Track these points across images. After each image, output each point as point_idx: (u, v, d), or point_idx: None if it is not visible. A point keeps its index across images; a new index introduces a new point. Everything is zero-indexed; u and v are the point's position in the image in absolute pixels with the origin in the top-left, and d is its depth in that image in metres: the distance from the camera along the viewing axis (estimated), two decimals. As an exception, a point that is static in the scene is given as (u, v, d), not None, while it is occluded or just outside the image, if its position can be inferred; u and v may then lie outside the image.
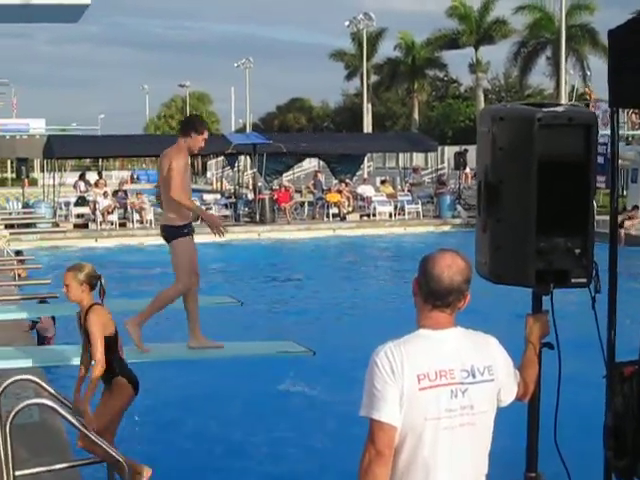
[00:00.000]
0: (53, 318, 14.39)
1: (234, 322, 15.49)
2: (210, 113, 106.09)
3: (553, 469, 4.91)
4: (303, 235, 34.33)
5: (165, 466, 9.75)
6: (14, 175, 58.31)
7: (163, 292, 9.19)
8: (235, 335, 12.56)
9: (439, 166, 50.60)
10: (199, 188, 59.77)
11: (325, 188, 39.79)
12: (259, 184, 37.59)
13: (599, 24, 56.85)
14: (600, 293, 4.82)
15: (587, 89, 51.58)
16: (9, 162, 70.32)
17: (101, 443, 6.40)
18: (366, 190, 39.96)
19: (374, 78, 75.68)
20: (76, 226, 35.02)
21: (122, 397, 6.98)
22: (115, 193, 36.89)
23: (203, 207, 36.28)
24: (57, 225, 34.25)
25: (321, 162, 45.85)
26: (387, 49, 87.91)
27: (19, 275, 18.33)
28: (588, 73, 60.32)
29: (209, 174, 70.20)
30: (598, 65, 57.46)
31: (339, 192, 38.05)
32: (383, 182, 43.27)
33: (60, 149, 36.13)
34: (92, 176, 44.76)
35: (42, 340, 14.27)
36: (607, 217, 5.66)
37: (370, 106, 69.74)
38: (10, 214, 36.41)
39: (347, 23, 64.63)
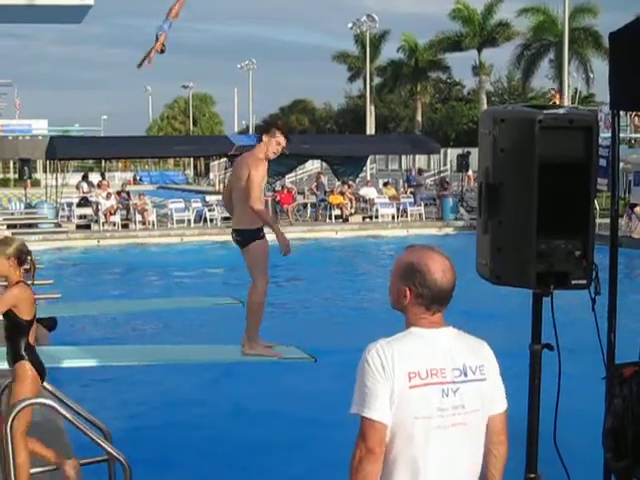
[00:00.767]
0: (54, 321, 14.29)
1: (235, 323, 15.52)
2: (213, 114, 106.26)
3: (553, 470, 4.93)
4: (306, 236, 34.36)
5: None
6: (17, 176, 58.28)
7: (249, 303, 9.19)
8: (237, 338, 12.57)
9: (442, 168, 50.62)
10: (202, 189, 59.87)
11: (328, 190, 39.79)
12: (262, 185, 37.54)
13: (602, 27, 56.93)
14: (600, 295, 4.83)
15: (553, 91, 51.35)
16: (12, 163, 70.44)
17: (103, 444, 6.39)
18: (369, 192, 39.95)
19: (377, 80, 75.74)
20: (78, 227, 35.07)
21: (25, 381, 6.74)
22: (118, 194, 36.92)
23: (205, 209, 36.56)
24: (59, 226, 34.31)
25: (324, 164, 45.85)
26: (390, 51, 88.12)
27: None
28: (591, 76, 60.44)
29: (212, 175, 70.26)
30: (601, 68, 57.55)
31: (342, 194, 38.08)
32: (386, 184, 43.27)
33: (63, 150, 36.17)
34: (95, 177, 44.82)
35: None
36: (608, 220, 5.67)
37: (373, 108, 69.80)
38: (12, 214, 36.52)
39: (350, 25, 64.70)
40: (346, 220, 37.27)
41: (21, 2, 11.60)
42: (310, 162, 52.62)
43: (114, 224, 34.84)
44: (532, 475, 4.85)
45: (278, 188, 39.87)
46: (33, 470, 6.86)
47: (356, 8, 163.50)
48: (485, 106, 61.49)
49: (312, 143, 41.07)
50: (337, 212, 37.41)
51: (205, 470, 9.96)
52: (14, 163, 65.94)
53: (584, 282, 4.71)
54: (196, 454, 10.32)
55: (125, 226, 35.17)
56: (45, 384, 7.10)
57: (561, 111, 4.75)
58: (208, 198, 40.27)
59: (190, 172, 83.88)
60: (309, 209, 39.01)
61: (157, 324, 17.37)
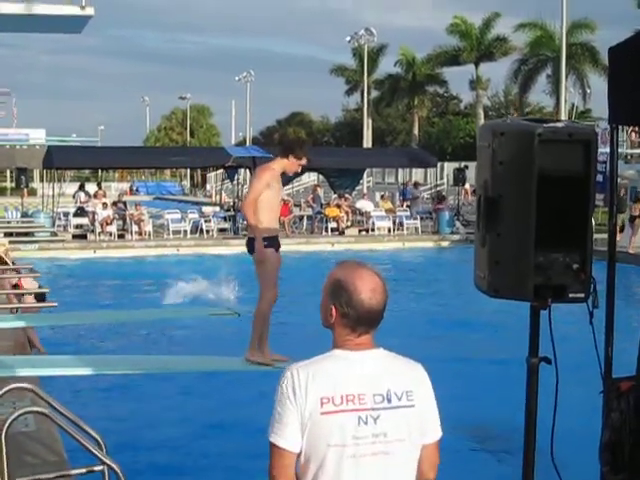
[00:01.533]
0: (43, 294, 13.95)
1: (231, 334, 15.50)
2: (210, 126, 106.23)
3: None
4: (302, 249, 34.31)
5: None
6: (13, 185, 58.32)
7: (256, 311, 9.25)
8: (234, 348, 12.53)
9: (438, 182, 50.67)
10: (198, 200, 59.91)
11: (324, 202, 39.81)
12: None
13: (600, 42, 57.07)
14: (598, 308, 4.84)
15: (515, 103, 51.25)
16: (9, 172, 70.36)
17: (97, 453, 6.38)
18: (365, 205, 39.98)
19: (375, 93, 75.84)
20: (75, 236, 35.05)
21: None
22: (114, 204, 36.92)
23: (202, 220, 36.56)
24: (56, 235, 34.30)
25: (320, 176, 45.91)
26: (388, 65, 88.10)
27: (17, 284, 18.30)
28: (588, 91, 60.54)
29: (208, 187, 70.30)
30: (598, 83, 57.72)
31: (338, 206, 38.10)
32: (382, 197, 43.31)
33: (60, 159, 36.21)
34: (91, 187, 44.84)
35: None
36: (605, 235, 5.69)
37: (370, 121, 69.85)
38: (9, 223, 36.48)
39: (348, 38, 64.74)
40: (342, 233, 37.27)
41: (22, 12, 11.61)
42: (306, 174, 52.71)
43: (110, 234, 34.82)
44: (528, 488, 4.84)
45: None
46: (29, 479, 6.84)
47: (355, 21, 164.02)
48: (482, 120, 61.56)
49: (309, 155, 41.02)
50: (333, 225, 37.42)
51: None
52: (11, 172, 65.86)
53: (582, 295, 4.71)
54: (192, 463, 10.32)
55: (121, 236, 35.16)
56: (40, 392, 7.08)
57: (560, 125, 4.76)
58: (204, 209, 40.32)
59: (187, 183, 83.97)
60: (305, 221, 39.01)
61: (153, 334, 17.37)
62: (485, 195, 4.72)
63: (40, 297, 13.50)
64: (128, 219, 35.63)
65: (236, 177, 46.06)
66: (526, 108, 71.53)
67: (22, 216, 37.95)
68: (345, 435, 3.39)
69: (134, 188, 75.68)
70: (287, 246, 34.41)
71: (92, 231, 34.97)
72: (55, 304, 12.88)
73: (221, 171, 51.98)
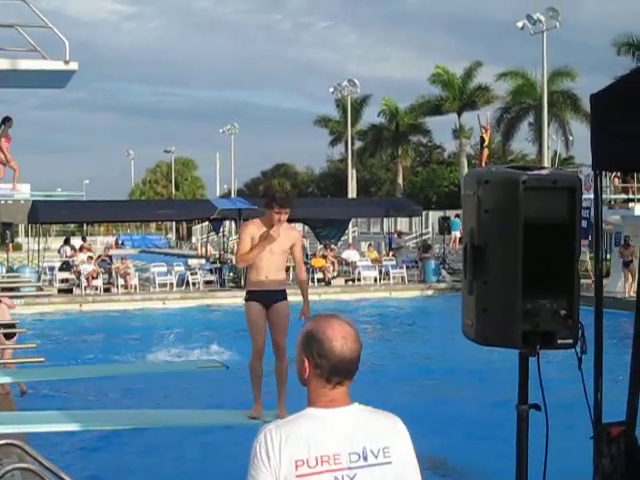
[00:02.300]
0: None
1: (221, 386, 15.42)
2: (195, 178, 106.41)
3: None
4: (289, 300, 34.21)
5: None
6: (-1, 240, 58.17)
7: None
8: (223, 400, 12.46)
9: (424, 231, 50.78)
10: (184, 253, 59.85)
11: (310, 253, 39.85)
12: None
13: (581, 90, 57.59)
14: (586, 354, 4.84)
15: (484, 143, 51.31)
16: (-6, 227, 70.22)
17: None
18: (351, 255, 40.06)
19: (358, 144, 76.15)
20: (60, 291, 35.01)
21: None
22: (99, 258, 36.89)
23: (188, 272, 36.52)
24: (41, 290, 34.15)
25: (306, 227, 46.01)
26: (371, 115, 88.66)
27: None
28: (570, 138, 60.95)
29: (194, 239, 70.28)
30: (580, 130, 58.14)
31: (324, 257, 38.15)
32: (368, 247, 43.40)
33: (45, 214, 36.21)
34: (77, 241, 44.80)
35: None
36: (589, 281, 5.71)
37: (355, 172, 70.08)
38: (-6, 278, 36.31)
39: (332, 89, 65.13)
40: (328, 283, 37.29)
41: (5, 67, 11.63)
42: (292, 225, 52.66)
43: (96, 288, 34.77)
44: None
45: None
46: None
47: (337, 73, 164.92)
48: (466, 169, 61.87)
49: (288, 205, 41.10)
50: (319, 275, 37.42)
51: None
52: (-4, 227, 65.74)
53: (570, 341, 4.71)
54: None
55: (107, 290, 35.11)
56: (28, 449, 7.02)
57: (544, 172, 4.79)
58: (190, 262, 40.29)
59: (172, 236, 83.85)
60: (291, 272, 38.92)
61: (142, 387, 17.27)
62: (471, 243, 4.73)
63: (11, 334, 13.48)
64: (114, 273, 35.60)
65: (221, 229, 46.14)
66: (509, 156, 71.95)
67: (7, 271, 37.81)
68: None
69: (120, 241, 75.59)
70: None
71: (78, 285, 34.91)
72: (42, 359, 12.78)
73: (206, 223, 52.08)
